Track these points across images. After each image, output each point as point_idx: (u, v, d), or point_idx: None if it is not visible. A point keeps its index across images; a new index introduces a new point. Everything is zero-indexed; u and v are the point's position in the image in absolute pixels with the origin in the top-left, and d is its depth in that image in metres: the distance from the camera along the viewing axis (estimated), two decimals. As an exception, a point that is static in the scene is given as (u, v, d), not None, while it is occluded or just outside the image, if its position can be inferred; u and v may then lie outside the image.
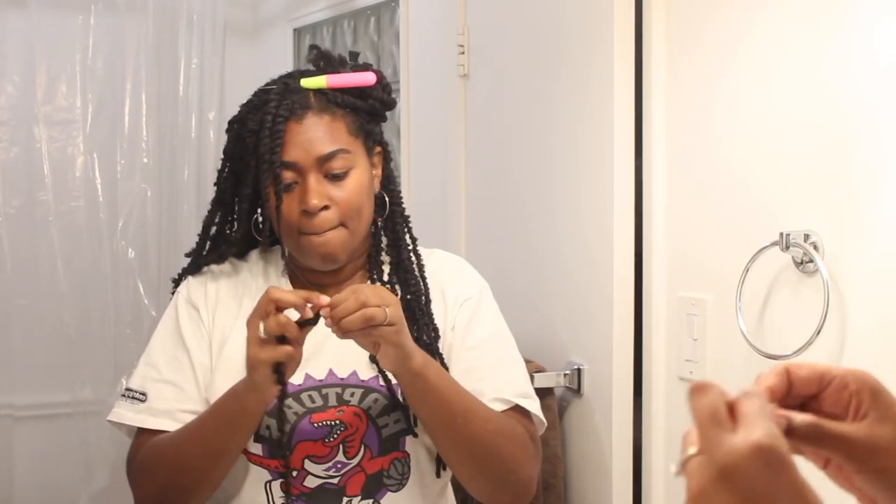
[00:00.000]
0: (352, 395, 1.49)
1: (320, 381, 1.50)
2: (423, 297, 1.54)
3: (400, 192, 1.62)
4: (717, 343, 1.70)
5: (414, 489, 1.52)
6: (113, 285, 3.14)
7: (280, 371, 1.35)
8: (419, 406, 1.43)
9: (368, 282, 1.56)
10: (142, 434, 1.52)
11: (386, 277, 1.57)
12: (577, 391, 1.98)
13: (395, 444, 1.50)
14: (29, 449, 3.10)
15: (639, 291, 1.85)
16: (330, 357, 1.49)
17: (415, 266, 1.57)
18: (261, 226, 1.57)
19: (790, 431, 0.63)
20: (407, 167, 2.69)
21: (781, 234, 1.52)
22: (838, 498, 0.73)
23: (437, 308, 1.55)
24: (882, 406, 0.68)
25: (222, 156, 1.57)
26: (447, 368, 1.52)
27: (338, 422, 1.47)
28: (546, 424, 1.59)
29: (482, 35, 2.32)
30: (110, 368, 3.11)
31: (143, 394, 1.52)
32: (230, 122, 1.54)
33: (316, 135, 1.47)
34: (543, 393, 1.94)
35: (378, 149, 1.57)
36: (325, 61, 1.53)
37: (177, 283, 1.63)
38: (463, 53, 2.35)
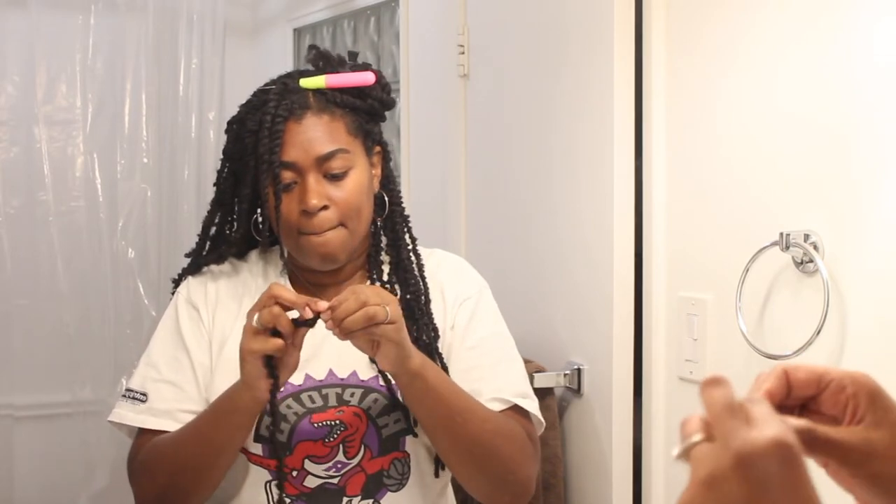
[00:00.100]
0: (352, 395, 1.49)
1: (320, 381, 1.50)
2: (423, 297, 1.54)
3: (399, 191, 1.62)
4: (717, 343, 1.70)
5: (414, 489, 1.52)
6: (113, 285, 3.14)
7: (271, 365, 1.35)
8: (418, 406, 1.43)
9: (368, 282, 1.56)
10: (142, 434, 1.52)
11: (385, 277, 1.57)
12: (577, 391, 1.98)
13: (395, 444, 1.50)
14: (29, 449, 3.10)
15: (639, 291, 1.85)
16: (330, 357, 1.49)
17: (414, 266, 1.57)
18: (260, 226, 1.57)
19: None
20: (407, 167, 2.69)
21: (781, 234, 1.52)
22: (839, 499, 0.73)
23: (436, 308, 1.55)
24: (879, 410, 0.67)
25: (222, 156, 1.57)
26: (447, 368, 1.52)
27: (338, 422, 1.47)
28: (544, 424, 1.59)
29: (482, 35, 2.32)
30: (110, 368, 3.11)
31: (144, 394, 1.52)
32: (229, 123, 1.54)
33: (315, 135, 1.47)
34: (543, 393, 1.94)
35: (377, 148, 1.57)
36: (324, 61, 1.53)
37: (177, 283, 1.63)
38: (463, 53, 2.35)
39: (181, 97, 3.21)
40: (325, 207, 1.46)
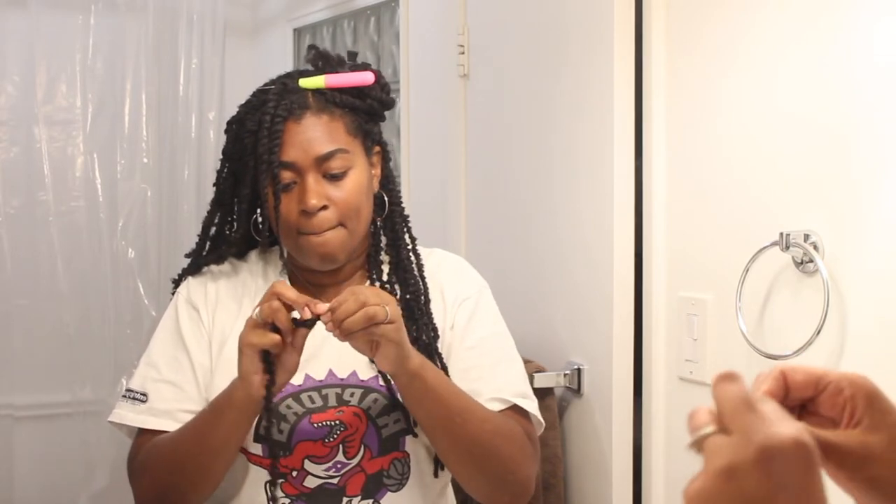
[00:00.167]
0: (351, 395, 1.49)
1: (320, 381, 1.50)
2: (423, 297, 1.54)
3: (399, 191, 1.62)
4: (717, 343, 1.70)
5: (414, 489, 1.52)
6: (113, 285, 3.14)
7: (269, 361, 1.35)
8: (417, 407, 1.43)
9: (367, 282, 1.56)
10: (142, 434, 1.52)
11: (385, 277, 1.57)
12: (577, 391, 1.98)
13: (394, 444, 1.50)
14: (29, 449, 3.10)
15: (639, 291, 1.85)
16: (329, 357, 1.49)
17: (414, 266, 1.57)
18: (260, 226, 1.57)
19: None
20: (407, 167, 2.69)
21: (781, 234, 1.52)
22: (838, 501, 0.73)
23: (436, 308, 1.55)
24: (876, 413, 0.67)
25: (221, 156, 1.57)
26: (446, 368, 1.52)
27: (337, 422, 1.47)
28: (544, 425, 1.58)
29: (482, 35, 2.32)
30: (110, 368, 3.11)
31: (144, 394, 1.52)
32: (229, 123, 1.54)
33: (314, 135, 1.47)
34: (543, 393, 1.94)
35: (377, 148, 1.57)
36: (323, 61, 1.53)
37: (177, 283, 1.63)
38: (463, 53, 2.35)
39: (181, 97, 3.21)
40: (324, 207, 1.46)
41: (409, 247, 1.58)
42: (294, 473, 1.48)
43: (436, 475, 1.53)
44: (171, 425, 1.49)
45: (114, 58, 3.16)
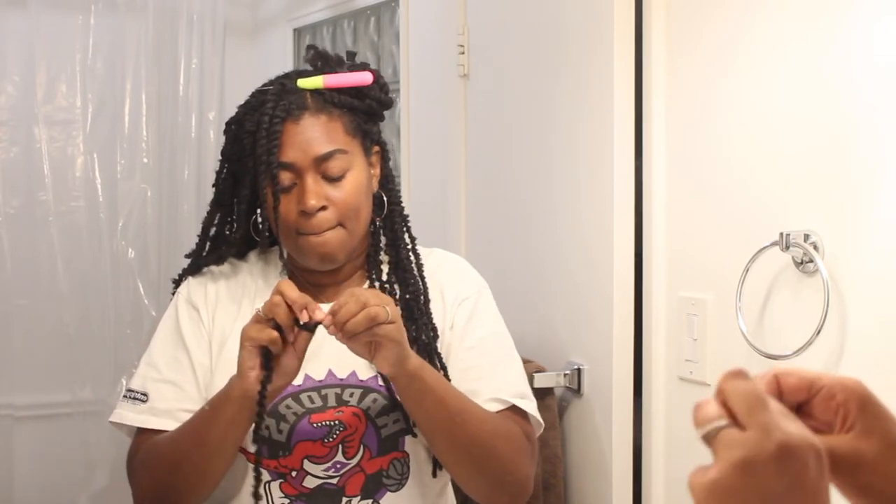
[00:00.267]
0: (351, 395, 1.49)
1: (319, 381, 1.50)
2: (422, 297, 1.54)
3: (399, 191, 1.62)
4: (717, 343, 1.70)
5: (413, 489, 1.52)
6: (113, 285, 3.14)
7: (268, 358, 1.35)
8: (416, 408, 1.43)
9: (367, 282, 1.56)
10: (142, 433, 1.52)
11: (385, 277, 1.57)
12: (577, 391, 1.98)
13: (394, 444, 1.50)
14: (29, 449, 3.10)
15: (639, 291, 1.85)
16: (329, 358, 1.49)
17: (413, 265, 1.56)
18: (259, 226, 1.57)
19: None
20: (407, 167, 2.69)
21: (781, 234, 1.52)
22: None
23: (435, 307, 1.55)
24: (868, 419, 0.67)
25: (220, 157, 1.57)
26: (445, 368, 1.52)
27: (337, 422, 1.47)
28: (543, 425, 1.58)
29: (482, 35, 2.32)
30: (110, 368, 3.11)
31: (145, 394, 1.52)
32: (228, 124, 1.54)
33: (313, 135, 1.47)
34: (543, 393, 1.94)
35: (376, 148, 1.57)
36: (322, 61, 1.53)
37: (177, 283, 1.63)
38: (463, 53, 2.35)
39: (181, 97, 3.21)
40: (323, 208, 1.46)
41: (409, 247, 1.58)
42: (293, 473, 1.48)
43: (434, 475, 1.53)
44: (171, 425, 1.49)
45: (114, 58, 3.16)
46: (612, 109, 1.85)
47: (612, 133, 1.85)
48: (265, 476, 1.47)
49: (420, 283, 1.55)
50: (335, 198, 1.47)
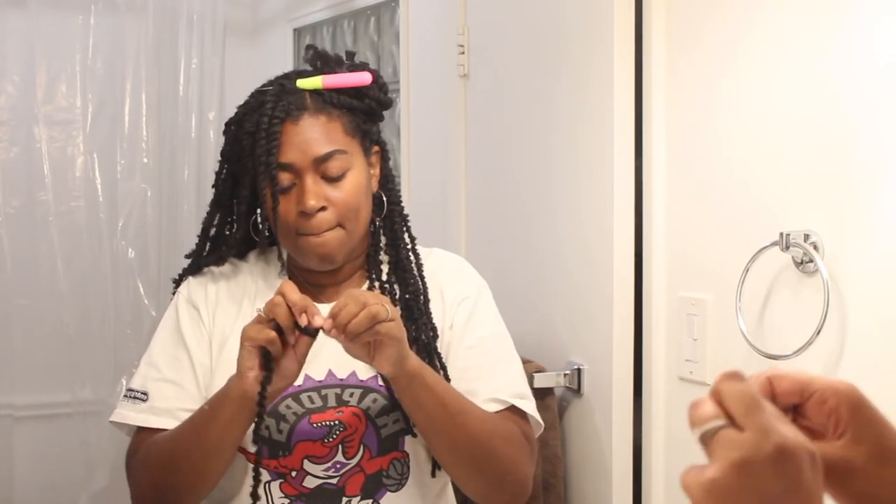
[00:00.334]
0: (351, 395, 1.49)
1: (319, 381, 1.50)
2: (422, 297, 1.54)
3: (398, 191, 1.62)
4: (717, 343, 1.70)
5: (413, 489, 1.52)
6: (113, 285, 3.14)
7: (269, 359, 1.35)
8: (416, 408, 1.42)
9: (367, 281, 1.56)
10: (141, 432, 1.52)
11: (384, 277, 1.57)
12: (577, 391, 1.98)
13: (394, 444, 1.50)
14: (29, 449, 3.10)
15: (639, 291, 1.85)
16: (329, 358, 1.49)
17: (413, 265, 1.56)
18: (259, 226, 1.57)
19: None
20: (407, 167, 2.69)
21: (781, 234, 1.52)
22: None
23: (435, 307, 1.55)
24: (859, 425, 0.66)
25: (220, 157, 1.57)
26: (445, 368, 1.52)
27: (337, 422, 1.47)
28: (543, 425, 1.58)
29: (482, 35, 2.32)
30: (110, 368, 3.11)
31: (145, 393, 1.52)
32: (227, 124, 1.54)
33: (312, 136, 1.46)
34: (543, 393, 1.94)
35: (375, 148, 1.57)
36: (321, 61, 1.53)
37: (177, 283, 1.63)
38: (463, 53, 2.35)
39: (181, 97, 3.21)
40: (323, 208, 1.46)
41: (409, 246, 1.58)
42: (293, 473, 1.48)
43: (433, 475, 1.53)
44: (171, 424, 1.49)
45: (114, 58, 3.16)
46: (612, 109, 1.85)
47: (612, 133, 1.85)
48: (265, 476, 1.47)
49: (420, 283, 1.55)
50: (335, 198, 1.47)
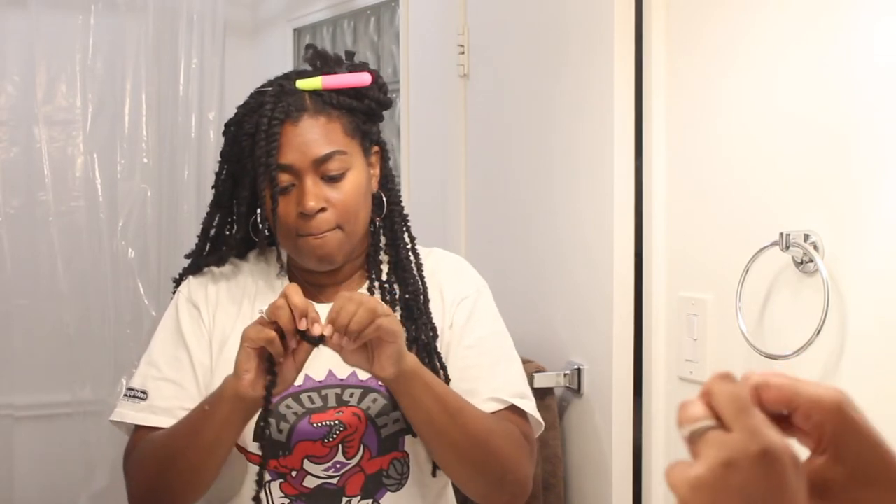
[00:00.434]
0: (351, 395, 1.49)
1: (320, 381, 1.50)
2: (422, 297, 1.54)
3: (398, 191, 1.62)
4: (717, 343, 1.70)
5: (413, 489, 1.52)
6: (113, 285, 3.14)
7: (271, 362, 1.34)
8: (416, 409, 1.41)
9: (367, 282, 1.56)
10: (140, 430, 1.52)
11: (384, 277, 1.57)
12: (577, 391, 1.98)
13: (394, 444, 1.50)
14: (29, 449, 3.10)
15: (639, 291, 1.85)
16: (329, 358, 1.49)
17: (413, 265, 1.56)
18: (259, 226, 1.57)
19: None
20: (407, 167, 2.69)
21: (781, 234, 1.52)
22: None
23: (435, 307, 1.55)
24: (842, 445, 0.65)
25: (220, 158, 1.57)
26: (445, 368, 1.52)
27: (337, 422, 1.47)
28: (543, 425, 1.58)
29: (482, 35, 2.32)
30: (110, 368, 3.11)
31: (144, 392, 1.52)
32: (227, 125, 1.54)
33: (312, 137, 1.46)
34: (543, 393, 1.94)
35: (375, 148, 1.57)
36: (321, 61, 1.53)
37: (178, 282, 1.62)
38: (463, 53, 2.35)
39: (181, 97, 3.21)
40: (322, 209, 1.46)
41: (409, 246, 1.58)
42: (293, 473, 1.48)
43: (434, 475, 1.53)
44: (170, 423, 1.48)
45: (114, 58, 3.16)
46: (612, 109, 1.85)
47: (612, 133, 1.85)
48: (266, 476, 1.47)
49: (419, 283, 1.55)
50: (334, 199, 1.47)
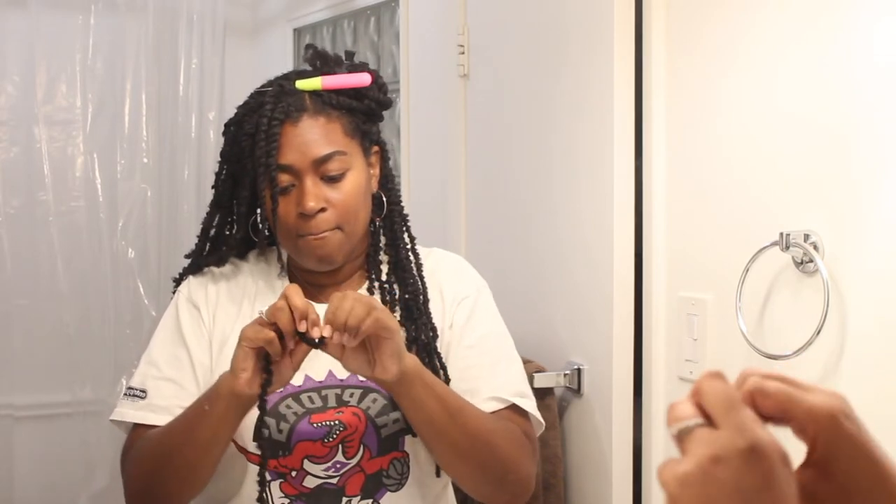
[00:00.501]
0: (351, 395, 1.49)
1: (320, 382, 1.50)
2: (422, 297, 1.54)
3: (398, 191, 1.62)
4: (717, 343, 1.70)
5: (413, 489, 1.52)
6: (113, 285, 3.14)
7: (268, 361, 1.34)
8: (417, 409, 1.41)
9: (367, 282, 1.56)
10: (137, 428, 1.52)
11: (384, 277, 1.57)
12: (577, 391, 1.98)
13: (394, 444, 1.50)
14: (29, 449, 3.10)
15: (639, 291, 1.85)
16: (329, 358, 1.48)
17: (413, 265, 1.56)
18: (259, 226, 1.57)
19: None
20: (407, 167, 2.69)
21: (781, 234, 1.52)
22: None
23: (435, 307, 1.55)
24: (832, 461, 0.65)
25: (220, 158, 1.57)
26: (445, 367, 1.52)
27: (337, 422, 1.47)
28: (544, 424, 1.58)
29: (482, 35, 2.32)
30: (110, 368, 3.11)
31: (144, 391, 1.52)
32: (226, 125, 1.54)
33: (312, 137, 1.46)
34: (543, 393, 1.94)
35: (375, 149, 1.57)
36: (321, 61, 1.53)
37: (178, 282, 1.62)
38: (463, 53, 2.35)
39: (181, 97, 3.21)
40: (322, 209, 1.46)
41: (408, 246, 1.58)
42: (293, 473, 1.48)
43: (437, 475, 1.53)
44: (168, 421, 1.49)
45: (114, 58, 3.16)
46: (612, 109, 1.85)
47: (612, 133, 1.85)
48: (266, 476, 1.47)
49: (419, 283, 1.55)
50: (334, 199, 1.47)
